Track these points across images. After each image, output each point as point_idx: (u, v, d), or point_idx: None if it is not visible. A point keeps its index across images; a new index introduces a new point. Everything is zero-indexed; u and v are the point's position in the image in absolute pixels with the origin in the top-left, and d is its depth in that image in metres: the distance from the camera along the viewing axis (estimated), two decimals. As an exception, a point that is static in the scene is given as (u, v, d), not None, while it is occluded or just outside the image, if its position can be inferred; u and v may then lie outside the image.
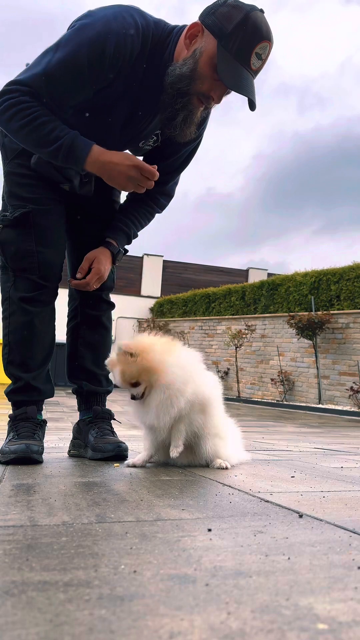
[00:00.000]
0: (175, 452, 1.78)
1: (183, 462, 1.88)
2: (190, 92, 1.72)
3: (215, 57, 1.66)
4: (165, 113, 1.77)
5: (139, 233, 2.10)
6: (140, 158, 2.08)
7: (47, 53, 1.69)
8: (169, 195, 2.12)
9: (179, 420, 1.78)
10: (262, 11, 1.67)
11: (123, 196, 2.17)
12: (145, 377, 1.74)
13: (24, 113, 1.67)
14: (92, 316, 2.12)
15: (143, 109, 1.82)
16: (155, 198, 2.07)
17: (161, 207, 2.12)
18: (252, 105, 1.71)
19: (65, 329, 2.18)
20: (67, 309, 2.18)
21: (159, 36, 1.73)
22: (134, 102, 1.80)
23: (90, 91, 1.71)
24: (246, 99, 1.70)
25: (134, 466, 1.82)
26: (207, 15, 1.69)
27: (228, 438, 1.95)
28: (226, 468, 1.86)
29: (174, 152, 1.99)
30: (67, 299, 2.18)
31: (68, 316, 2.17)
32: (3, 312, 1.94)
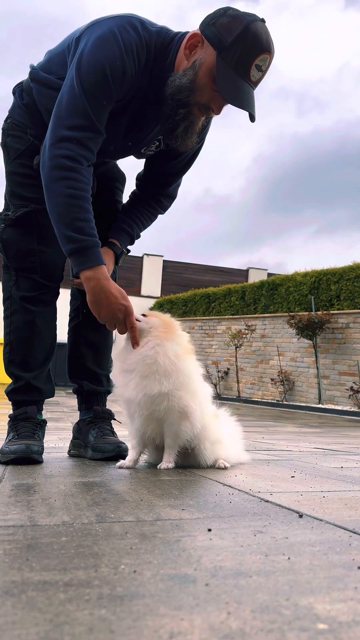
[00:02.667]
0: (164, 466, 1.78)
1: (183, 463, 1.88)
2: (190, 103, 1.71)
3: (214, 69, 1.65)
4: (166, 124, 1.77)
5: (141, 234, 2.10)
6: (143, 160, 2.08)
7: (73, 84, 1.64)
8: (172, 197, 2.12)
9: (165, 432, 1.78)
10: (263, 21, 1.65)
11: (124, 196, 2.17)
12: (162, 326, 1.78)
13: (73, 183, 1.64)
14: (94, 316, 2.12)
15: (145, 117, 1.82)
16: (157, 199, 2.07)
17: (163, 209, 2.12)
18: (252, 118, 1.70)
19: (66, 329, 2.18)
20: (68, 308, 2.18)
21: (161, 45, 1.72)
22: (137, 111, 1.80)
23: (112, 105, 1.71)
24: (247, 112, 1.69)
25: (121, 467, 1.80)
26: (207, 25, 1.67)
27: (225, 440, 1.93)
28: (225, 468, 1.86)
29: (177, 156, 1.99)
30: (68, 298, 2.18)
31: (69, 315, 2.17)
32: (5, 311, 1.94)
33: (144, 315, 1.83)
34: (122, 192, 2.16)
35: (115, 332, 2.15)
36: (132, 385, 1.75)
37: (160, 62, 1.72)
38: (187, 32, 1.73)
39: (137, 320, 1.79)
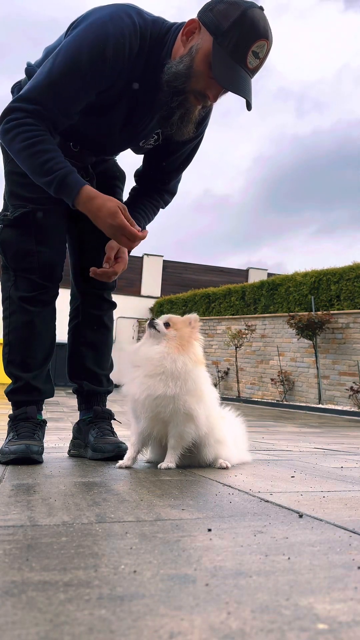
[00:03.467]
0: (165, 466, 1.79)
1: (184, 463, 1.88)
2: (186, 90, 1.70)
3: (210, 54, 1.64)
4: (162, 111, 1.76)
5: (146, 227, 2.09)
6: (142, 155, 2.08)
7: (48, 62, 1.67)
8: (172, 193, 2.12)
9: (169, 432, 1.80)
10: (261, 8, 1.64)
11: (125, 194, 2.17)
12: (178, 339, 1.81)
13: (25, 135, 1.66)
14: (94, 316, 2.12)
15: (142, 108, 1.82)
16: (159, 193, 2.07)
17: (165, 203, 2.12)
18: (248, 106, 1.69)
19: (66, 329, 2.18)
20: (68, 308, 2.18)
21: (157, 34, 1.72)
22: (133, 102, 1.79)
23: (93, 94, 1.71)
24: (243, 97, 1.68)
25: (120, 467, 1.81)
26: (205, 12, 1.67)
27: (228, 441, 1.95)
28: (227, 467, 1.87)
29: (176, 150, 1.99)
30: (69, 298, 2.18)
31: (70, 315, 2.17)
32: (4, 311, 1.94)
33: (167, 324, 1.85)
34: (122, 190, 2.16)
35: (115, 333, 2.15)
36: (137, 382, 1.78)
37: (156, 52, 1.72)
38: (184, 22, 1.73)
39: (157, 329, 1.83)
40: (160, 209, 2.12)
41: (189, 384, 1.76)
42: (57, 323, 2.04)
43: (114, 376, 2.16)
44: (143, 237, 1.78)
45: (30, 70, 1.86)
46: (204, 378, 1.85)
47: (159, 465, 1.81)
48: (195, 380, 1.79)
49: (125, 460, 1.84)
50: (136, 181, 2.09)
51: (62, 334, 2.07)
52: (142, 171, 2.08)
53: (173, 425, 1.78)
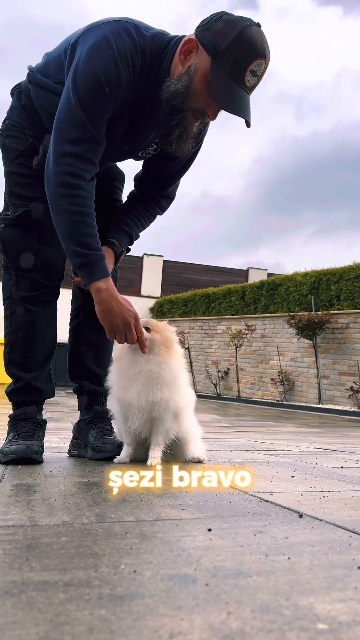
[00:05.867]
0: (155, 462, 1.85)
1: (165, 458, 1.95)
2: (185, 109, 1.71)
3: (209, 74, 1.64)
4: (161, 130, 1.77)
5: (140, 234, 2.10)
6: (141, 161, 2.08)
7: (69, 96, 1.65)
8: (170, 198, 2.12)
9: (155, 429, 1.88)
10: (258, 25, 1.64)
11: (125, 194, 2.17)
12: (164, 342, 1.89)
13: (76, 200, 1.67)
14: (95, 315, 2.12)
15: (143, 122, 1.82)
16: (156, 200, 2.07)
17: (162, 209, 2.12)
18: (247, 124, 1.70)
19: (66, 329, 2.18)
20: (69, 308, 2.18)
21: (156, 49, 1.71)
22: (134, 116, 1.79)
23: (112, 111, 1.71)
24: (241, 118, 1.68)
25: (119, 463, 1.88)
26: (202, 31, 1.66)
27: (197, 438, 2.06)
28: (203, 461, 1.99)
29: (174, 158, 1.99)
30: (69, 298, 2.18)
31: (71, 315, 2.17)
32: (5, 311, 1.94)
33: (147, 329, 1.90)
34: (122, 191, 2.16)
35: None
36: (134, 391, 1.84)
37: (156, 67, 1.72)
38: (182, 37, 1.73)
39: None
40: (157, 216, 2.13)
41: (177, 384, 1.89)
42: (57, 323, 2.04)
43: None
44: (143, 335, 1.85)
45: (33, 76, 1.84)
46: (186, 378, 1.98)
47: (148, 462, 1.85)
48: (182, 381, 1.92)
49: (123, 457, 1.90)
50: (135, 186, 2.09)
51: (62, 333, 2.07)
52: (142, 176, 2.09)
53: (161, 423, 1.87)
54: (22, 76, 1.93)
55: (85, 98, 1.63)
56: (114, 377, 1.93)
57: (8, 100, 1.97)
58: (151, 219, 2.10)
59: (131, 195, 2.10)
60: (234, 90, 1.64)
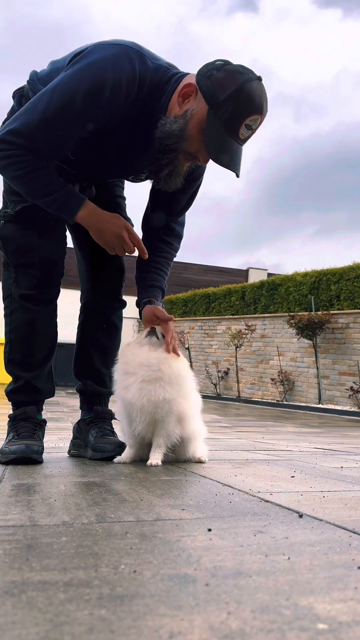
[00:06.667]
0: (155, 463, 1.86)
1: (166, 459, 1.95)
2: (177, 150, 1.72)
3: (204, 122, 1.66)
4: (152, 166, 1.79)
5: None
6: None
7: (43, 96, 1.65)
8: (180, 237, 2.15)
9: (157, 432, 1.88)
10: (259, 79, 1.65)
11: (127, 192, 2.17)
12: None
13: (18, 166, 1.68)
14: (103, 314, 2.13)
15: (133, 148, 1.82)
16: (168, 243, 2.09)
17: (175, 251, 2.14)
18: (237, 175, 1.71)
19: (67, 329, 2.18)
20: (70, 308, 2.19)
21: (157, 82, 1.71)
22: (125, 141, 1.80)
23: (84, 132, 1.71)
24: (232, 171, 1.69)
25: (119, 463, 1.90)
26: (203, 77, 1.67)
27: (201, 438, 2.07)
28: (205, 462, 1.99)
29: (174, 198, 2.01)
30: (70, 297, 2.18)
31: (80, 311, 2.17)
32: (5, 309, 1.94)
33: (161, 335, 1.95)
34: (123, 188, 2.16)
35: (122, 333, 2.16)
36: (134, 389, 1.84)
37: (155, 98, 1.72)
38: (185, 75, 1.73)
39: (158, 337, 1.93)
40: (174, 259, 2.15)
41: (183, 388, 1.89)
42: (58, 322, 2.04)
43: None
44: (141, 242, 1.90)
45: (33, 84, 1.83)
46: (193, 381, 1.98)
47: (148, 463, 1.86)
48: (188, 384, 1.93)
49: (124, 457, 1.91)
50: (144, 232, 2.10)
51: (62, 333, 2.06)
52: (147, 221, 2.09)
53: (163, 426, 1.86)
54: (22, 76, 1.93)
55: (53, 111, 1.62)
56: (117, 375, 1.94)
57: (8, 100, 1.97)
58: (170, 263, 2.13)
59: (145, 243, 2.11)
60: (227, 142, 1.67)
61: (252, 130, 1.69)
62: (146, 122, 1.74)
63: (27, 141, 1.65)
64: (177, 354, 1.92)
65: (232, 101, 1.62)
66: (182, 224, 2.14)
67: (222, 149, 1.67)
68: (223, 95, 1.62)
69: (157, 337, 1.92)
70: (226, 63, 1.67)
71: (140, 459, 1.93)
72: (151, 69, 1.69)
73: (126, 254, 1.89)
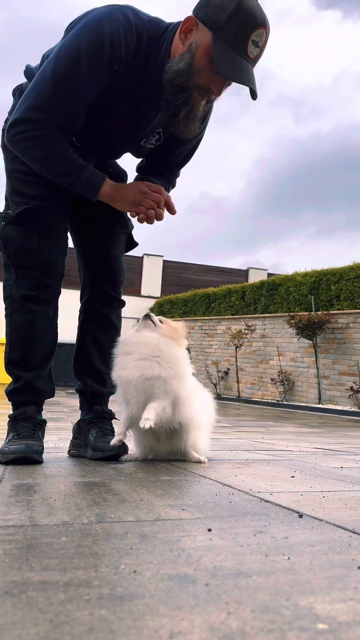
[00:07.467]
0: (144, 425, 1.75)
1: (167, 449, 1.98)
2: (189, 87, 1.71)
3: (211, 49, 1.65)
4: (168, 110, 1.77)
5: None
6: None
7: (48, 64, 1.68)
8: (172, 185, 2.15)
9: (150, 401, 1.84)
10: None
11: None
12: (171, 331, 1.93)
13: (41, 146, 1.70)
14: (102, 313, 2.12)
15: (143, 108, 1.82)
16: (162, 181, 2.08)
17: (172, 186, 2.14)
18: (253, 95, 1.70)
19: (67, 329, 2.18)
20: (70, 308, 2.19)
21: (153, 34, 1.72)
22: (133, 101, 1.80)
23: (94, 95, 1.72)
24: (247, 88, 1.68)
25: (117, 446, 1.92)
26: (200, 8, 1.67)
27: (204, 428, 2.06)
28: (203, 462, 1.96)
29: (176, 149, 2.01)
30: (71, 297, 2.18)
31: (79, 310, 2.17)
32: (5, 310, 1.95)
33: (160, 321, 1.98)
34: None
35: (122, 330, 2.16)
36: (131, 365, 1.85)
37: (155, 52, 1.73)
38: (180, 22, 1.74)
39: (153, 321, 1.94)
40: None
41: (179, 369, 1.87)
42: (59, 322, 2.04)
43: None
44: (164, 191, 1.87)
45: (29, 73, 1.87)
46: (189, 368, 1.98)
47: (140, 424, 1.77)
48: (184, 368, 1.92)
49: (117, 439, 1.92)
50: (137, 172, 2.10)
51: (63, 333, 2.06)
52: (144, 166, 2.09)
53: (157, 399, 1.82)
54: (23, 78, 1.93)
55: (61, 70, 1.65)
56: (116, 359, 1.94)
57: (9, 100, 1.97)
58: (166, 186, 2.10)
59: (140, 171, 2.10)
60: (238, 60, 1.65)
61: (259, 47, 1.67)
62: (150, 77, 1.74)
63: (45, 114, 1.67)
64: (174, 210, 1.90)
65: (235, 19, 1.62)
66: (177, 176, 2.14)
67: (234, 67, 1.65)
68: (224, 16, 1.62)
69: (153, 322, 1.94)
70: None
71: (146, 460, 1.93)
72: (146, 21, 1.72)
73: (154, 214, 1.84)
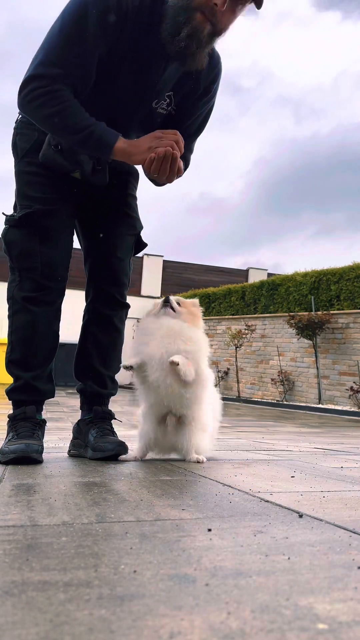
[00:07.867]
0: (172, 359, 1.82)
1: (171, 442, 1.98)
2: (191, 7, 1.67)
3: None
4: (168, 28, 1.71)
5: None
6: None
7: (55, 24, 1.68)
8: (187, 161, 2.04)
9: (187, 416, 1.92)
10: None
11: (138, 192, 2.15)
12: (191, 316, 1.98)
13: (53, 102, 1.68)
14: (104, 315, 2.12)
15: (152, 60, 1.79)
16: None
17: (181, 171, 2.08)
18: (258, 4, 1.68)
19: (69, 330, 2.18)
20: (73, 309, 2.19)
21: None
22: (142, 56, 1.78)
23: (103, 48, 1.71)
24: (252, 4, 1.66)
25: (125, 460, 1.94)
26: None
27: (209, 430, 2.08)
28: (202, 462, 1.96)
29: (188, 118, 1.96)
30: (72, 299, 2.18)
31: (84, 311, 2.16)
32: (8, 310, 1.96)
33: (178, 304, 2.01)
34: (136, 187, 2.14)
35: (124, 331, 2.15)
36: (154, 343, 1.88)
37: (160, 1, 1.71)
38: None
39: (173, 308, 1.97)
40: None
41: (197, 351, 1.91)
42: (61, 323, 2.04)
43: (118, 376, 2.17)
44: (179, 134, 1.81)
45: None
46: (207, 353, 2.00)
47: (169, 359, 1.83)
48: (203, 352, 1.95)
49: (134, 453, 1.96)
50: None
51: (63, 334, 2.07)
52: None
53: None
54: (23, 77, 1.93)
55: (69, 24, 1.66)
56: (134, 343, 1.96)
57: (11, 104, 1.98)
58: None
59: None
60: None
61: None
62: (157, 28, 1.73)
63: (57, 69, 1.67)
64: (181, 149, 1.81)
65: None
66: (190, 151, 2.06)
67: None
68: None
69: (173, 309, 1.96)
70: None
71: (149, 458, 1.93)
72: None
73: (172, 152, 1.76)
